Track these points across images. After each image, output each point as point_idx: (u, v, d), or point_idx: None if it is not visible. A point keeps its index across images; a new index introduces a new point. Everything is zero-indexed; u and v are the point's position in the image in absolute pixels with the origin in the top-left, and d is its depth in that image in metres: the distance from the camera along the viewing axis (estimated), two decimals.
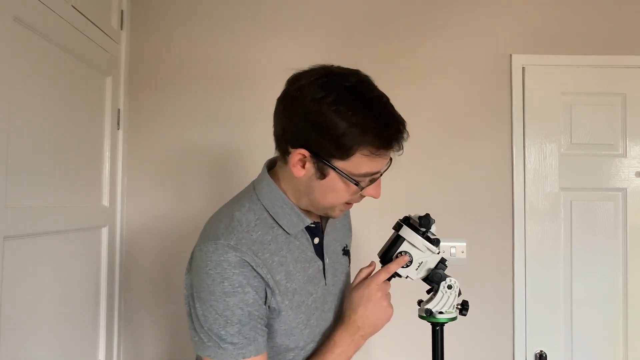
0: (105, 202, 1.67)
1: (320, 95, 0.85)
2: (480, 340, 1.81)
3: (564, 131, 1.87)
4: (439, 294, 1.08)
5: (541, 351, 1.80)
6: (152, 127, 1.82)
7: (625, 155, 1.86)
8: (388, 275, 1.02)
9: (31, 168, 1.23)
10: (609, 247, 1.84)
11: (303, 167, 0.90)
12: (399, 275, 1.09)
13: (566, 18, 1.88)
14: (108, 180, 1.68)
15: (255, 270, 0.89)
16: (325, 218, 1.06)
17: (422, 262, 1.08)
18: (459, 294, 1.09)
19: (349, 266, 1.17)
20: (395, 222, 1.12)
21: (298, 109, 0.87)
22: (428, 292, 1.12)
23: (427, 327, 1.12)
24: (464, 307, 1.09)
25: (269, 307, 0.93)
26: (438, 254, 1.08)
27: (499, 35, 1.88)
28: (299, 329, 0.96)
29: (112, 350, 1.70)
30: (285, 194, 0.97)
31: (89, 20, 1.49)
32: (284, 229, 0.96)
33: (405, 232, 1.07)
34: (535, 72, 1.86)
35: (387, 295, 1.02)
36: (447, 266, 1.09)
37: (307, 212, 0.99)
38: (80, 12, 1.44)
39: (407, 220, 1.10)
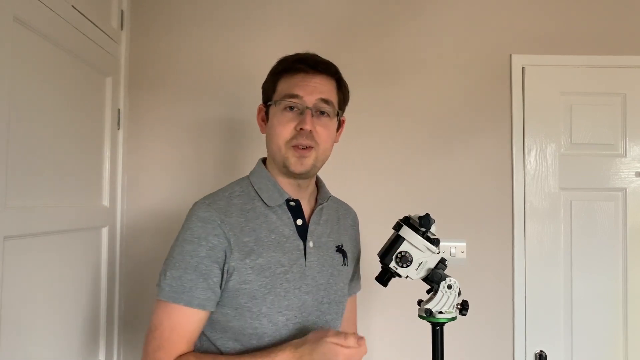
0: (105, 202, 1.67)
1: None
2: (480, 340, 1.81)
3: (563, 131, 1.87)
4: (439, 294, 1.08)
5: (541, 351, 1.80)
6: (152, 127, 1.82)
7: (625, 155, 1.86)
8: (356, 346, 0.98)
9: (31, 168, 1.23)
10: (609, 247, 1.84)
11: (265, 123, 1.12)
12: (399, 275, 1.10)
13: (566, 18, 1.88)
14: (108, 180, 1.68)
15: (218, 228, 1.00)
16: (316, 206, 1.15)
17: (422, 262, 1.08)
18: (459, 293, 1.09)
19: (345, 264, 1.20)
20: (395, 222, 1.12)
21: None
22: (428, 292, 1.13)
23: (427, 327, 1.12)
24: (463, 307, 1.09)
25: (227, 270, 1.00)
26: (438, 253, 1.09)
27: (498, 35, 1.88)
28: (261, 292, 1.01)
29: (112, 350, 1.70)
30: (272, 175, 1.10)
31: (89, 20, 1.49)
32: (264, 201, 1.07)
33: (405, 232, 1.08)
34: (535, 72, 1.86)
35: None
36: (447, 266, 1.10)
37: (291, 187, 1.10)
38: (80, 12, 1.44)
39: (407, 220, 1.10)
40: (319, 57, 1.11)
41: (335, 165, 1.83)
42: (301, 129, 1.03)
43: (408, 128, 1.85)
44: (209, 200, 1.05)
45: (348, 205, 1.32)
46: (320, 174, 1.78)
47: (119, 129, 1.74)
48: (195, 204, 1.05)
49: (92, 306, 1.57)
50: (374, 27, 1.87)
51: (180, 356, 0.98)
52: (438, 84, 1.86)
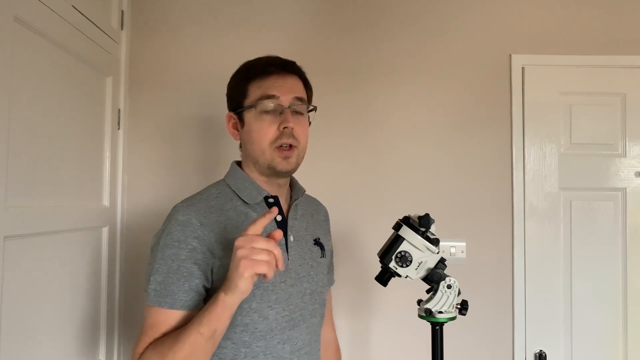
0: (105, 202, 1.67)
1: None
2: (480, 339, 1.82)
3: (563, 131, 1.87)
4: (439, 294, 1.09)
5: (541, 351, 1.81)
6: (152, 127, 1.82)
7: (624, 155, 1.87)
8: (257, 229, 0.90)
9: (31, 168, 1.23)
10: (609, 246, 1.84)
11: (236, 130, 1.14)
12: (399, 275, 1.10)
13: (566, 18, 1.88)
14: (108, 180, 1.68)
15: (197, 230, 1.02)
16: (292, 201, 1.18)
17: (421, 262, 1.09)
18: (459, 293, 1.09)
19: (323, 256, 1.23)
20: (395, 222, 1.12)
21: None
22: (428, 291, 1.13)
23: (426, 326, 1.13)
24: (463, 307, 1.10)
25: (211, 269, 1.03)
26: (437, 253, 1.09)
27: (498, 35, 1.88)
28: None
29: (112, 350, 1.70)
30: (249, 176, 1.13)
31: (89, 20, 1.50)
32: (243, 200, 1.10)
33: (405, 231, 1.08)
34: (534, 72, 1.86)
35: (243, 255, 0.87)
36: (446, 266, 1.10)
37: (268, 185, 1.13)
38: (80, 12, 1.44)
39: (406, 220, 1.11)
40: (283, 58, 1.14)
41: (335, 166, 1.84)
42: (285, 127, 1.06)
43: (408, 128, 1.86)
44: (187, 203, 1.07)
45: (319, 201, 1.35)
46: (321, 174, 1.80)
47: (119, 129, 1.75)
48: (174, 207, 1.07)
49: (92, 306, 1.57)
50: (373, 28, 1.87)
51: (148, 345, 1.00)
52: (438, 84, 1.86)
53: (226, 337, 1.03)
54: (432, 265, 1.09)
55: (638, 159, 1.86)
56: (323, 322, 1.23)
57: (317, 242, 1.22)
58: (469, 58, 1.87)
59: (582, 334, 1.82)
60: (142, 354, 1.00)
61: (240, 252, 0.87)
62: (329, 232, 1.33)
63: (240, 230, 1.05)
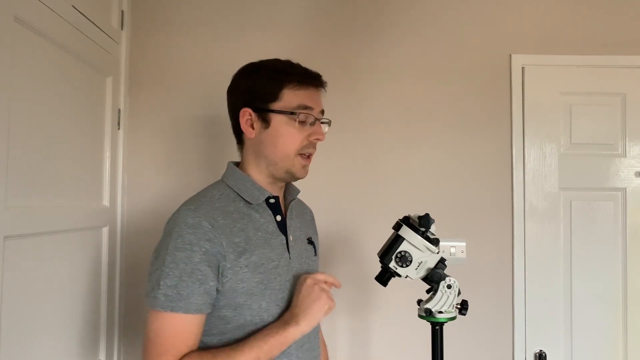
0: (106, 202, 1.67)
1: (244, 68, 1.15)
2: (480, 339, 1.82)
3: (563, 131, 1.87)
4: (439, 294, 1.09)
5: (541, 351, 1.81)
6: (152, 127, 1.82)
7: (624, 155, 1.87)
8: (325, 278, 1.10)
9: (31, 168, 1.23)
10: (609, 246, 1.84)
11: (252, 127, 1.10)
12: (399, 275, 1.10)
13: (566, 18, 1.88)
14: (108, 180, 1.68)
15: (209, 232, 1.01)
16: (288, 200, 1.18)
17: (421, 262, 1.09)
18: (459, 293, 1.10)
19: (316, 256, 1.25)
20: (395, 222, 1.13)
21: (232, 84, 1.15)
22: (428, 291, 1.13)
23: (426, 326, 1.13)
24: (463, 307, 1.10)
25: (222, 272, 1.02)
26: (437, 253, 1.09)
27: (498, 35, 1.88)
28: (258, 288, 1.05)
29: (112, 350, 1.70)
30: (248, 174, 1.13)
31: (89, 20, 1.50)
32: (246, 201, 1.10)
33: (405, 231, 1.08)
34: (534, 72, 1.86)
35: (322, 289, 1.07)
36: (446, 266, 1.10)
37: (271, 186, 1.13)
38: (80, 12, 1.44)
39: (406, 220, 1.11)
40: (312, 70, 1.16)
41: (335, 165, 1.84)
42: (316, 139, 1.10)
43: (408, 128, 1.86)
44: (193, 205, 1.06)
45: (303, 202, 1.36)
46: (321, 174, 1.80)
47: (119, 129, 1.75)
48: (179, 210, 1.05)
49: (92, 306, 1.57)
50: (373, 27, 1.87)
51: (183, 357, 0.99)
52: (438, 84, 1.86)
53: (235, 338, 1.04)
54: (432, 265, 1.09)
55: (638, 159, 1.86)
56: None
57: (310, 242, 1.24)
58: (469, 58, 1.87)
59: (582, 334, 1.82)
60: None
61: (317, 288, 1.05)
62: (316, 231, 1.36)
63: (246, 232, 1.07)
